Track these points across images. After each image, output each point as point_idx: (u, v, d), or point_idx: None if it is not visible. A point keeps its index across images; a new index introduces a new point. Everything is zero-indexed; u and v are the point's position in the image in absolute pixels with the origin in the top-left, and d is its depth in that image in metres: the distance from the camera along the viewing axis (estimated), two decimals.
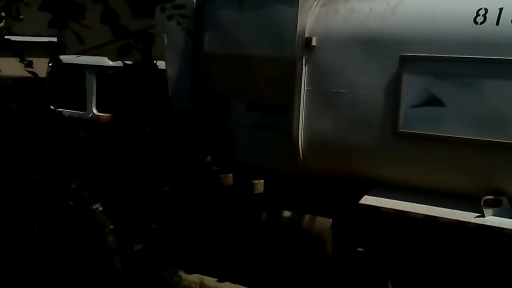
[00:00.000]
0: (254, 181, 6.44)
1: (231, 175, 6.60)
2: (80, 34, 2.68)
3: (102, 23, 2.40)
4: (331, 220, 6.12)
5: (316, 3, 6.20)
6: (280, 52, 6.22)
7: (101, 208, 6.13)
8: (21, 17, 3.17)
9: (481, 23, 5.25)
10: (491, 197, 5.19)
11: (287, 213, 6.37)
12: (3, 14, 2.98)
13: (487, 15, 5.24)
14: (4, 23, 3.08)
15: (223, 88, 6.74)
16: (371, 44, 5.78)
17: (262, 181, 6.47)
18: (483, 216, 5.19)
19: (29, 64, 3.27)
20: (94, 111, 7.78)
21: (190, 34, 6.58)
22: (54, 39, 6.73)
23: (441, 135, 5.37)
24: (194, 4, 6.82)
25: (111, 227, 5.55)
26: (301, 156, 6.18)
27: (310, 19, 6.12)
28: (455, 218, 5.28)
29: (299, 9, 6.10)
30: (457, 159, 5.35)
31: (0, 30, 2.94)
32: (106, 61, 7.70)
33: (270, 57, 6.28)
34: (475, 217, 5.21)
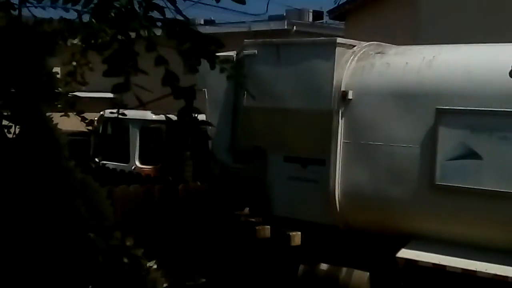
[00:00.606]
0: (291, 233, 6.46)
1: (268, 227, 6.64)
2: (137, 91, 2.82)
3: (163, 86, 2.53)
4: (368, 273, 6.06)
5: (353, 58, 6.32)
6: (317, 105, 6.33)
7: (155, 266, 6.21)
8: (86, 81, 3.33)
9: None
10: None
11: (324, 266, 6.34)
12: (68, 79, 3.14)
13: None
14: (69, 87, 3.23)
15: (262, 141, 6.85)
16: (407, 98, 5.84)
17: (299, 233, 6.48)
18: None
19: (90, 123, 3.40)
20: (137, 163, 7.99)
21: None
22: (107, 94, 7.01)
23: (477, 188, 5.33)
24: (234, 58, 7.04)
25: (165, 285, 5.60)
26: (337, 209, 6.19)
27: (346, 73, 6.24)
28: (492, 272, 5.18)
29: (335, 64, 6.22)
30: (493, 212, 5.29)
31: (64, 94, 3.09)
32: (149, 115, 7.95)
33: (308, 110, 6.39)
34: None
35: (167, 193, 6.68)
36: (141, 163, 7.95)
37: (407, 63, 5.97)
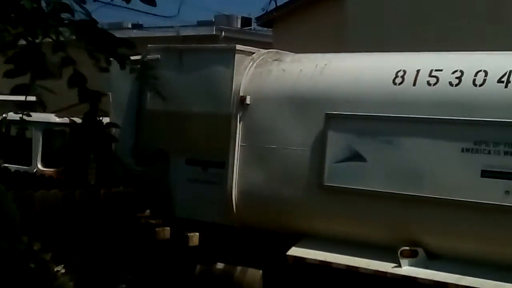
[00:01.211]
0: (189, 234, 6.60)
1: (168, 228, 6.75)
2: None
3: (69, 87, 2.55)
4: (261, 271, 6.27)
5: (251, 64, 6.56)
6: (217, 109, 6.53)
7: (63, 271, 6.16)
8: None
9: (400, 83, 5.64)
10: (407, 248, 5.43)
11: (220, 265, 6.51)
12: None
13: (405, 76, 5.64)
14: None
15: (164, 144, 6.98)
16: (300, 103, 6.12)
17: (197, 234, 6.62)
18: (399, 266, 5.41)
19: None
20: (39, 165, 7.93)
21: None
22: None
23: (362, 189, 5.64)
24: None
25: None
26: (234, 210, 6.38)
27: (245, 78, 6.47)
28: (374, 268, 5.49)
29: (234, 70, 6.45)
30: (377, 211, 5.61)
31: None
32: (53, 118, 7.92)
33: (208, 114, 6.58)
34: (392, 267, 5.43)
35: (87, 198, 6.72)
36: (44, 165, 7.89)
37: (301, 70, 6.27)
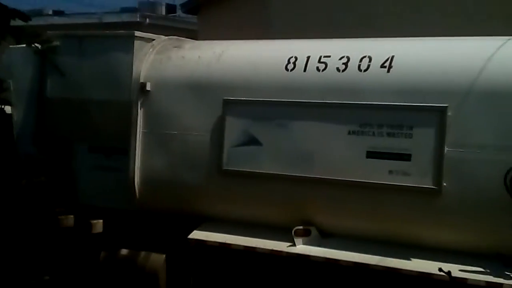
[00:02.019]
0: (92, 221, 6.62)
1: (72, 216, 6.74)
2: None
3: None
4: (164, 255, 6.37)
5: (152, 50, 6.59)
6: (118, 96, 6.53)
7: None
8: None
9: (292, 69, 5.82)
10: (301, 227, 5.66)
11: (124, 251, 6.56)
12: None
13: (296, 62, 5.82)
14: None
15: (67, 132, 6.93)
16: (199, 89, 6.22)
17: (101, 221, 6.65)
18: (294, 245, 5.63)
19: None
20: None
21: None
22: None
23: (258, 172, 5.81)
24: (39, 50, 7.04)
25: None
26: (137, 195, 6.44)
27: (145, 65, 6.50)
28: (270, 248, 5.69)
29: (134, 56, 6.47)
30: (272, 193, 5.80)
31: None
32: None
33: (109, 101, 6.57)
34: (287, 247, 5.64)
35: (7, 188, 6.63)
36: None
37: (199, 56, 6.36)
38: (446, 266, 4.93)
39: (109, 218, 6.66)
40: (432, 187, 5.09)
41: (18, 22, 5.63)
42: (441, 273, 4.79)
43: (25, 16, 2.50)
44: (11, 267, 6.80)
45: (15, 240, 6.92)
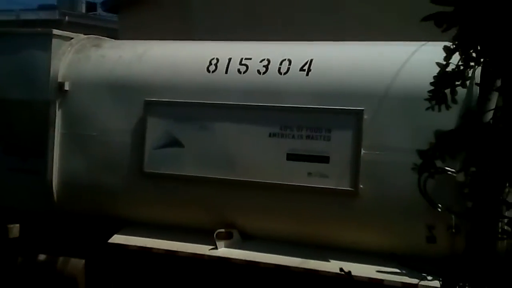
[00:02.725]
0: (9, 226, 6.39)
1: None
2: None
3: None
4: (84, 260, 6.22)
5: (70, 49, 6.41)
6: (34, 96, 6.32)
7: None
8: None
9: (213, 71, 5.78)
10: (222, 230, 5.63)
11: (42, 256, 6.37)
12: None
13: (218, 64, 5.79)
14: None
15: None
16: (120, 90, 6.09)
17: (18, 225, 6.43)
18: (216, 248, 5.60)
19: None
20: None
21: None
22: None
23: (180, 174, 5.75)
24: None
25: None
26: (55, 198, 6.25)
27: (63, 64, 6.31)
28: (191, 251, 5.64)
29: (52, 55, 6.27)
30: (194, 196, 5.75)
31: None
32: None
33: (25, 101, 6.35)
34: (209, 250, 5.61)
35: None
36: None
37: (120, 56, 6.23)
38: (363, 267, 5.01)
39: (27, 222, 6.45)
40: (349, 189, 5.16)
41: None
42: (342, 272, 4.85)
43: None
44: None
45: None
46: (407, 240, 5.12)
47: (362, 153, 5.11)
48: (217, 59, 5.80)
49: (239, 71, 5.64)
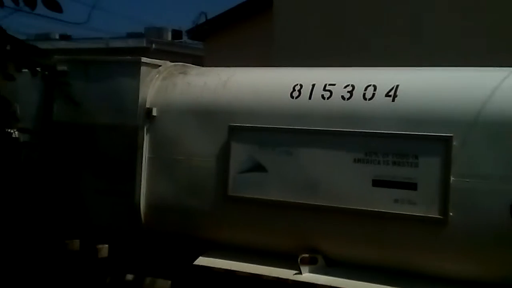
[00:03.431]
0: (98, 246, 6.63)
1: (78, 240, 6.76)
2: None
3: None
4: (170, 281, 6.38)
5: (158, 76, 6.64)
6: (124, 121, 6.57)
7: None
8: None
9: (297, 97, 5.85)
10: (307, 255, 5.66)
11: (129, 276, 6.57)
12: None
13: (301, 90, 5.85)
14: None
15: (72, 156, 6.96)
16: (205, 115, 6.25)
17: (107, 245, 6.66)
18: (300, 273, 5.62)
19: None
20: None
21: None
22: None
23: (264, 198, 5.82)
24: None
25: None
26: (143, 221, 6.45)
27: (151, 91, 6.54)
28: (276, 275, 5.68)
29: (140, 82, 6.51)
30: (277, 220, 5.81)
31: None
32: None
33: (114, 125, 6.61)
34: (293, 274, 5.64)
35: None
36: None
37: (205, 83, 6.40)
38: None
39: (115, 243, 6.67)
40: (438, 216, 5.09)
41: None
42: None
43: (43, 53, 2.57)
44: None
45: (21, 263, 6.94)
46: (497, 269, 5.00)
47: (451, 180, 5.04)
48: (301, 85, 5.86)
49: (323, 96, 5.68)
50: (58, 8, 2.58)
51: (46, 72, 6.84)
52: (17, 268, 6.94)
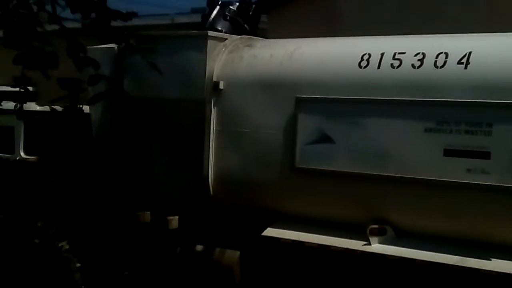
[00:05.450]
0: (169, 218, 6.78)
1: (149, 212, 6.93)
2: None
3: (69, 56, 2.63)
4: (239, 252, 6.47)
5: (224, 50, 6.67)
6: (191, 95, 6.65)
7: (67, 246, 6.26)
8: None
9: (365, 67, 5.77)
10: (376, 226, 5.62)
11: (199, 247, 6.70)
12: None
13: (370, 59, 5.76)
14: None
15: (141, 129, 7.12)
16: (271, 87, 6.25)
17: (177, 217, 6.80)
18: (369, 244, 5.60)
19: None
20: (22, 154, 8.08)
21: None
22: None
23: (331, 170, 5.80)
24: (116, 50, 7.24)
25: (77, 265, 5.63)
26: (211, 192, 6.55)
27: (218, 64, 6.59)
28: (344, 246, 5.68)
29: (207, 56, 6.56)
30: (345, 191, 5.79)
31: None
32: (34, 106, 8.04)
33: (182, 99, 6.70)
34: (362, 245, 5.62)
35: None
36: (26, 153, 8.04)
37: (271, 55, 6.39)
38: None
39: (185, 215, 6.80)
40: None
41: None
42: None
43: (126, 16, 2.61)
44: (93, 261, 7.06)
45: (97, 236, 7.18)
46: None
47: None
48: (369, 54, 5.78)
49: (392, 66, 5.59)
50: None
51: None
52: (91, 239, 7.19)
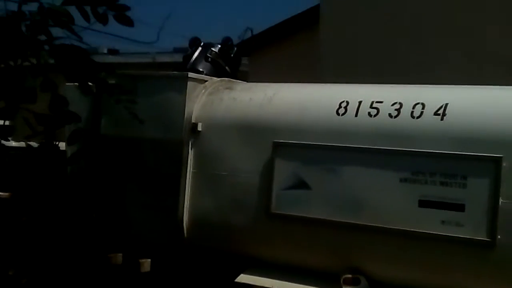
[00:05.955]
0: (141, 260, 6.65)
1: (120, 254, 6.80)
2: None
3: (42, 91, 2.62)
4: None
5: (204, 92, 6.67)
6: (169, 135, 6.61)
7: None
8: None
9: (343, 114, 5.78)
10: (349, 275, 5.55)
11: None
12: None
13: (348, 107, 5.79)
14: None
15: (118, 169, 7.04)
16: (249, 131, 6.24)
17: (149, 260, 6.68)
18: None
19: None
20: None
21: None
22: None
23: (307, 216, 5.75)
24: (94, 88, 7.19)
25: None
26: (185, 235, 6.46)
27: (197, 106, 6.57)
28: None
29: (187, 97, 6.55)
30: (320, 239, 5.72)
31: None
32: (8, 142, 7.92)
33: (160, 140, 6.66)
34: None
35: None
36: None
37: (251, 98, 6.39)
38: None
39: (158, 258, 6.68)
40: (486, 239, 4.93)
41: None
42: None
43: (110, 69, 2.61)
44: None
45: (65, 275, 7.02)
46: None
47: (500, 202, 4.88)
48: (347, 102, 5.80)
49: (369, 114, 5.61)
50: (129, 23, 2.61)
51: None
52: (61, 280, 7.03)
